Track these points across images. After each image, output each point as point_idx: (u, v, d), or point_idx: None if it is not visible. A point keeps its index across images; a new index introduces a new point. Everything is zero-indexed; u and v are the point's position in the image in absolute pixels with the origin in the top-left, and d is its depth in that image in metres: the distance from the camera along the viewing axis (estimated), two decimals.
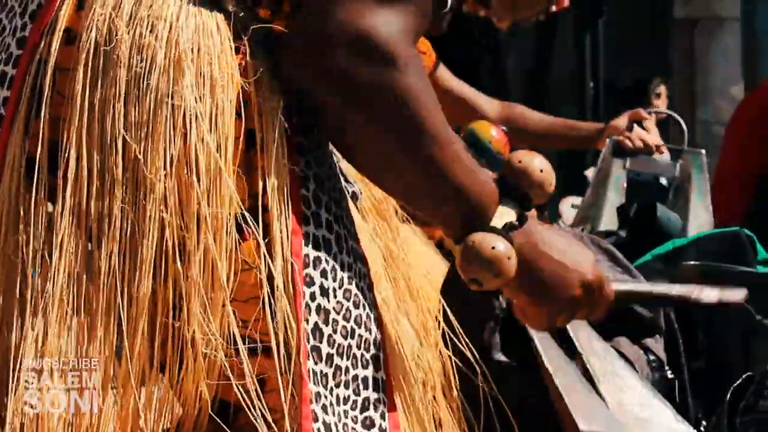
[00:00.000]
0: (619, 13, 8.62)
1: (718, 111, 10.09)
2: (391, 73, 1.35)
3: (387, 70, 1.34)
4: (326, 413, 1.39)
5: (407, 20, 1.37)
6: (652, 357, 2.58)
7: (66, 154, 1.35)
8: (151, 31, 1.36)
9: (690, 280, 2.84)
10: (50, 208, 1.37)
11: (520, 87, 5.33)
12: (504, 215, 1.43)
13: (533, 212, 1.49)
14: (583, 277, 1.46)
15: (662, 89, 6.59)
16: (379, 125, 1.37)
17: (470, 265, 1.40)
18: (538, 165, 1.46)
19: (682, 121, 3.69)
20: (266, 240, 1.37)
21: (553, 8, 5.43)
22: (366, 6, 1.35)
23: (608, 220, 3.43)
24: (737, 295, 1.83)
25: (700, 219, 3.45)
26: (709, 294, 1.77)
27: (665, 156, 3.63)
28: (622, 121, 3.55)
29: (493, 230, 1.41)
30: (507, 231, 1.41)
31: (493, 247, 1.39)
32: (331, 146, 1.48)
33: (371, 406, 1.45)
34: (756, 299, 2.78)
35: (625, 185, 3.48)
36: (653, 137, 3.55)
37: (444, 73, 3.42)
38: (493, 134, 2.21)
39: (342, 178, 1.52)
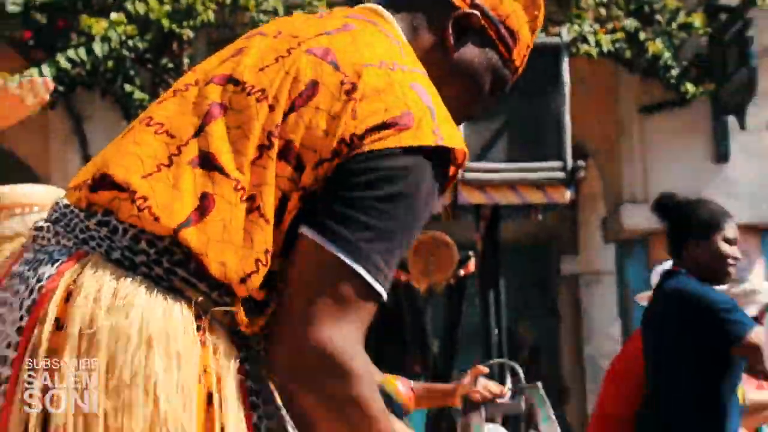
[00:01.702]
0: (516, 272, 8.75)
1: (600, 347, 10.14)
2: (359, 391, 1.39)
3: (356, 388, 1.39)
4: None
5: (360, 331, 1.42)
6: None
7: (56, 421, 1.34)
8: (126, 317, 1.37)
9: None
10: None
11: (438, 338, 5.36)
12: None
13: None
14: None
15: None
16: (339, 422, 1.40)
17: None
18: None
19: (515, 365, 3.70)
20: None
21: (461, 272, 5.53)
22: (331, 326, 1.39)
23: None
24: None
25: None
26: None
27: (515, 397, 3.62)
28: (467, 379, 3.51)
29: None
30: None
31: None
32: (277, 399, 1.47)
33: None
34: None
35: (483, 428, 3.46)
36: (495, 386, 3.53)
37: None
38: (399, 389, 2.24)
39: (289, 427, 1.51)
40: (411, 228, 1.45)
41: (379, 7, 1.64)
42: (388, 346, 3.52)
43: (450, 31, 1.63)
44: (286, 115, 1.45)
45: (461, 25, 1.63)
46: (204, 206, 1.41)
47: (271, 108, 1.45)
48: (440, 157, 1.46)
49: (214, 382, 1.39)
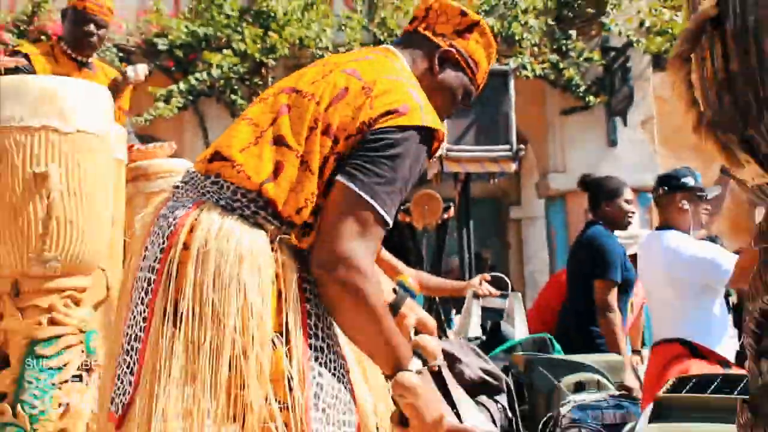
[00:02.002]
0: (481, 216, 8.73)
1: (536, 267, 10.13)
2: (362, 281, 1.36)
3: (360, 279, 1.36)
4: None
5: (373, 246, 1.40)
6: (500, 405, 2.53)
7: (183, 305, 1.35)
8: (227, 242, 1.37)
9: (518, 364, 2.83)
10: (174, 332, 1.36)
11: (429, 258, 5.35)
12: None
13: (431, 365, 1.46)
14: (434, 418, 1.40)
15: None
16: (354, 307, 1.38)
17: (395, 390, 1.40)
18: (430, 343, 1.48)
19: (507, 279, 3.69)
20: (288, 347, 1.37)
21: (446, 216, 5.53)
22: (352, 239, 1.37)
23: (473, 331, 3.40)
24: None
25: (520, 330, 3.43)
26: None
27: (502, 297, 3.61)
28: (475, 280, 3.54)
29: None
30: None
31: None
32: None
33: None
34: (553, 371, 2.76)
35: (480, 313, 3.47)
36: (493, 289, 3.55)
37: (385, 254, 3.40)
38: (410, 282, 2.24)
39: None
40: (406, 178, 1.43)
41: (391, 47, 1.65)
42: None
43: (436, 61, 1.63)
44: (327, 108, 1.45)
45: (443, 57, 1.64)
46: (278, 169, 1.42)
47: (317, 103, 1.46)
48: (425, 134, 1.46)
49: (283, 284, 1.40)
